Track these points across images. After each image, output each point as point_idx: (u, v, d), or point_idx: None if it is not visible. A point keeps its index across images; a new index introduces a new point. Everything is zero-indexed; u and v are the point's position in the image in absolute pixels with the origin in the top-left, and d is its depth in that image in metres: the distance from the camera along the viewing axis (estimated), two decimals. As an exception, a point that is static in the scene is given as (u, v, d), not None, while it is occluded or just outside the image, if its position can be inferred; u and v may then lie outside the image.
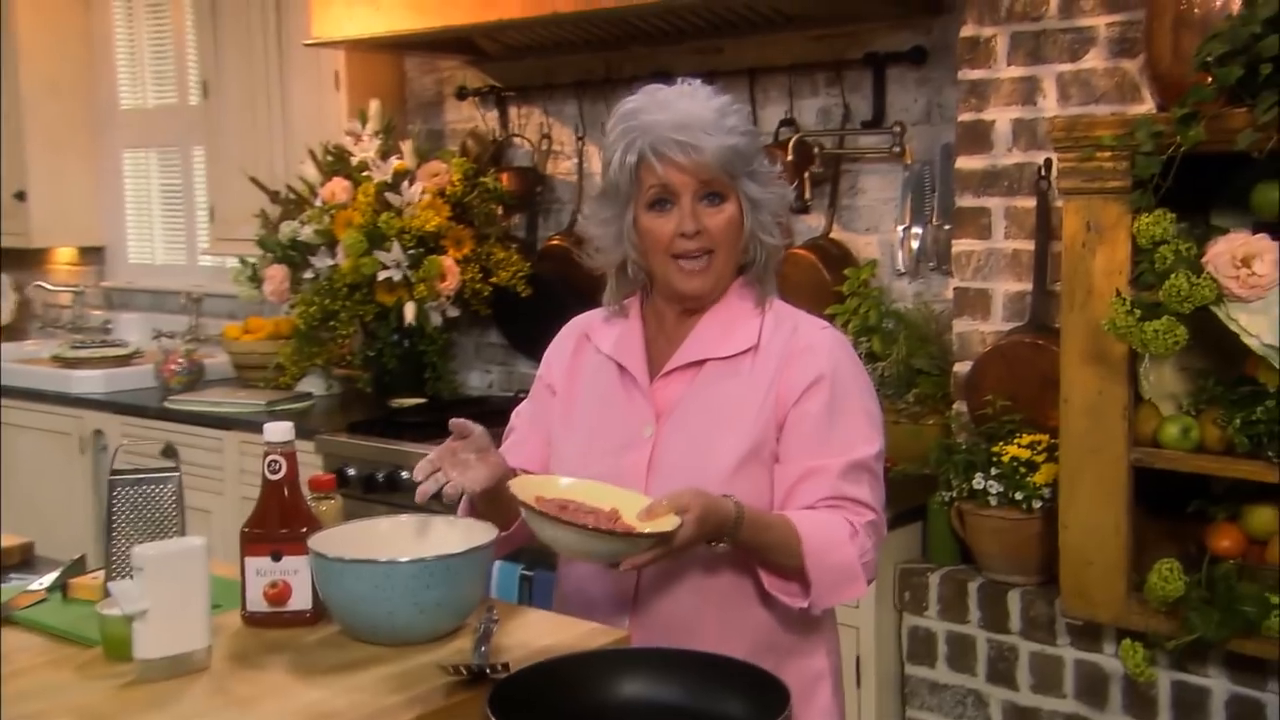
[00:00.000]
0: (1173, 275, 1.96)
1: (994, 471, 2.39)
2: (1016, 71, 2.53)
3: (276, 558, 1.53)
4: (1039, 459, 2.38)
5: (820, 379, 1.67)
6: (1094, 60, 2.43)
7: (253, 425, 3.54)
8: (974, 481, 2.41)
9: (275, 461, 1.54)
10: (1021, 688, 2.41)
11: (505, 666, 1.33)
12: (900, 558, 2.59)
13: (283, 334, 4.01)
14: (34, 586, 1.76)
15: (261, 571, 1.53)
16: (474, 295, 3.58)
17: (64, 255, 5.17)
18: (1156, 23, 2.13)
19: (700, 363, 1.72)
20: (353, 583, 1.44)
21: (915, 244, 3.00)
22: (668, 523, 1.47)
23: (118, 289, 5.01)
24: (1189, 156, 2.02)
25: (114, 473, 1.65)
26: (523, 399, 3.62)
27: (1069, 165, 2.17)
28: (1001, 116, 2.56)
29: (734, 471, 1.65)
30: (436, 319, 3.57)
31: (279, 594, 1.52)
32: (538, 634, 1.52)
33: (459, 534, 1.56)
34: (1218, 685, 2.17)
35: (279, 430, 1.55)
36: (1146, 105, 2.36)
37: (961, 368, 2.64)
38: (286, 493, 1.55)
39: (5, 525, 2.54)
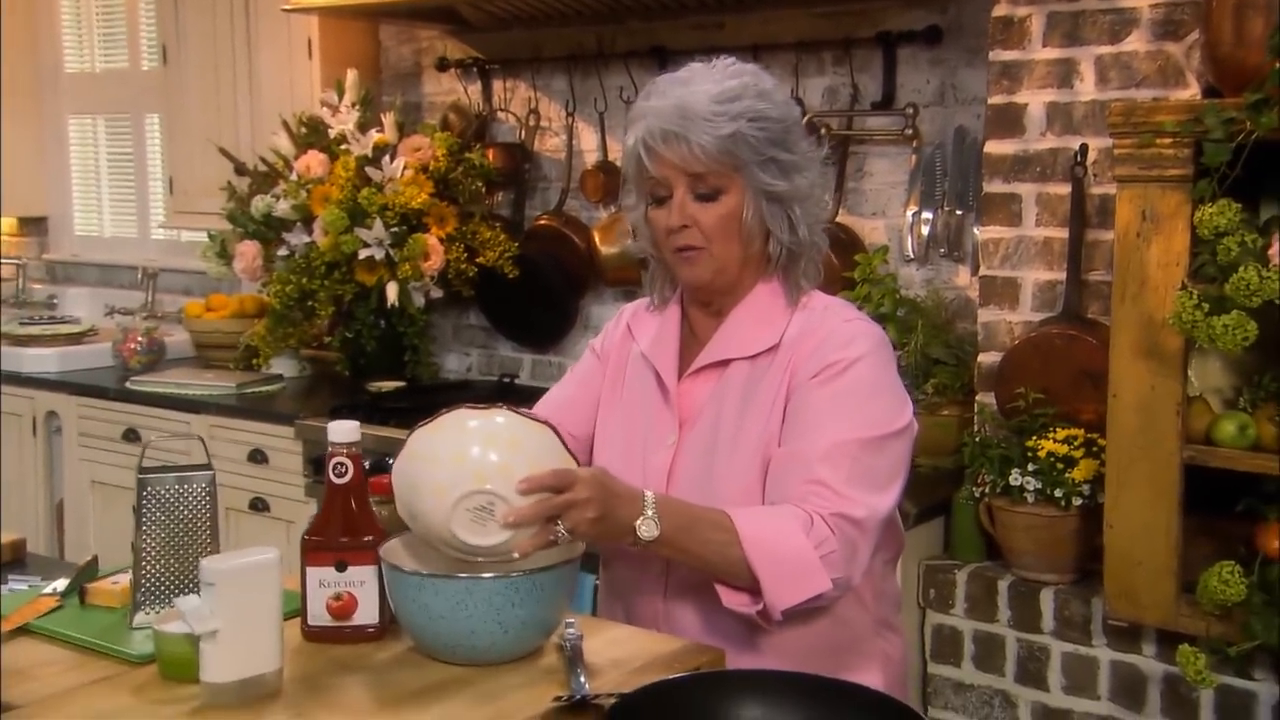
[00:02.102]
0: (1241, 268, 1.90)
1: (1030, 468, 2.32)
2: (1052, 53, 2.45)
3: (341, 568, 1.40)
4: (1077, 454, 2.31)
5: (829, 366, 1.57)
6: (1136, 42, 2.36)
7: (224, 408, 3.38)
8: (1010, 477, 2.34)
9: (341, 464, 1.41)
10: (1053, 689, 2.35)
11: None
12: (923, 554, 2.52)
13: (247, 312, 3.84)
14: (46, 591, 1.61)
15: (325, 583, 1.40)
16: (458, 276, 3.43)
17: (3, 226, 4.90)
18: (1217, 4, 2.06)
19: (725, 363, 1.64)
20: (431, 599, 1.31)
21: (925, 229, 2.94)
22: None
23: (61, 262, 4.77)
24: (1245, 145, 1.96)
25: (142, 470, 1.50)
26: (506, 382, 3.56)
27: (1125, 152, 2.09)
28: (1035, 100, 2.48)
29: (753, 481, 1.57)
30: (419, 300, 3.42)
31: (344, 607, 1.39)
32: (628, 652, 1.40)
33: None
34: (1265, 690, 2.12)
35: (345, 430, 1.42)
36: (1191, 90, 2.30)
37: (988, 358, 2.57)
38: (352, 498, 1.42)
39: (-49, 511, 2.37)
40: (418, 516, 1.36)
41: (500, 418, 1.37)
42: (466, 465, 1.32)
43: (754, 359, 1.62)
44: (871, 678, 1.63)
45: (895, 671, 1.71)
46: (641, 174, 1.60)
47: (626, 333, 1.78)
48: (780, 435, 1.58)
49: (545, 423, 1.42)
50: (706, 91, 1.55)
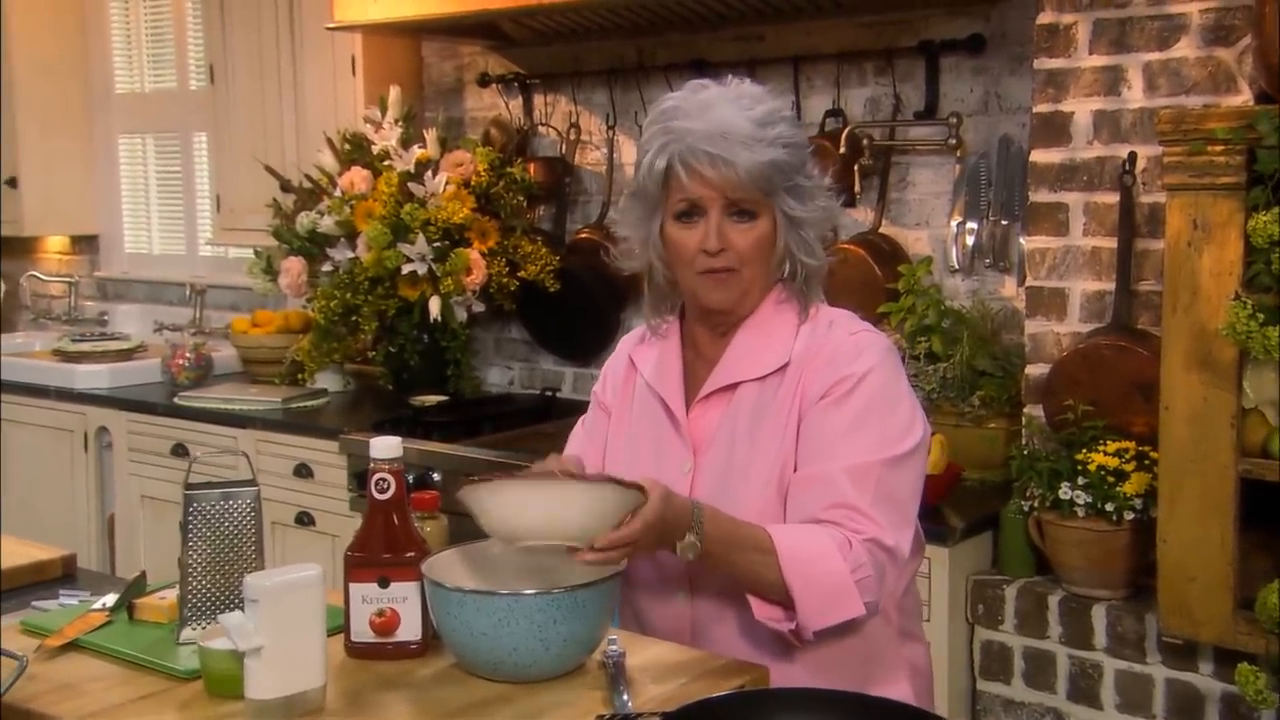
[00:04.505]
0: (1297, 277, 1.86)
1: (1081, 481, 2.29)
2: (1099, 60, 2.42)
3: (384, 584, 1.40)
4: (1128, 467, 2.27)
5: (840, 382, 1.55)
6: (1185, 49, 2.33)
7: (270, 423, 3.40)
8: (1059, 491, 2.30)
9: (383, 480, 1.41)
10: (1106, 706, 2.31)
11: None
12: (972, 569, 2.49)
13: (293, 327, 3.88)
14: (96, 607, 1.62)
15: (368, 599, 1.40)
16: (500, 290, 3.44)
17: (55, 244, 4.98)
18: (1268, 8, 2.03)
19: (734, 386, 1.62)
20: (473, 616, 1.31)
21: (970, 240, 2.91)
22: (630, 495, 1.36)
23: (112, 279, 4.83)
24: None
25: (189, 486, 1.51)
26: (548, 396, 3.57)
27: (1175, 160, 2.06)
28: (1081, 108, 2.45)
29: (770, 502, 1.55)
30: (461, 314, 3.44)
31: (386, 623, 1.39)
32: (671, 670, 1.39)
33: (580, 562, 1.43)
34: (1326, 707, 2.07)
35: (387, 446, 1.42)
36: (1243, 96, 2.26)
37: (1035, 370, 2.53)
38: (395, 514, 1.42)
39: (4, 526, 2.40)
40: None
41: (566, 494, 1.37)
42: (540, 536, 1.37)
43: (763, 380, 1.60)
44: (900, 688, 1.63)
45: (922, 682, 1.71)
46: (668, 189, 1.58)
47: (630, 365, 1.75)
48: (795, 455, 1.56)
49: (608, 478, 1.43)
50: (746, 114, 1.54)
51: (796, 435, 1.56)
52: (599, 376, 1.82)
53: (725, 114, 1.54)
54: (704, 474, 1.60)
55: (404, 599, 1.40)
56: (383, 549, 1.41)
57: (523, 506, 1.33)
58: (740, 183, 1.53)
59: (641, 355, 1.73)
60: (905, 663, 1.67)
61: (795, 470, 1.55)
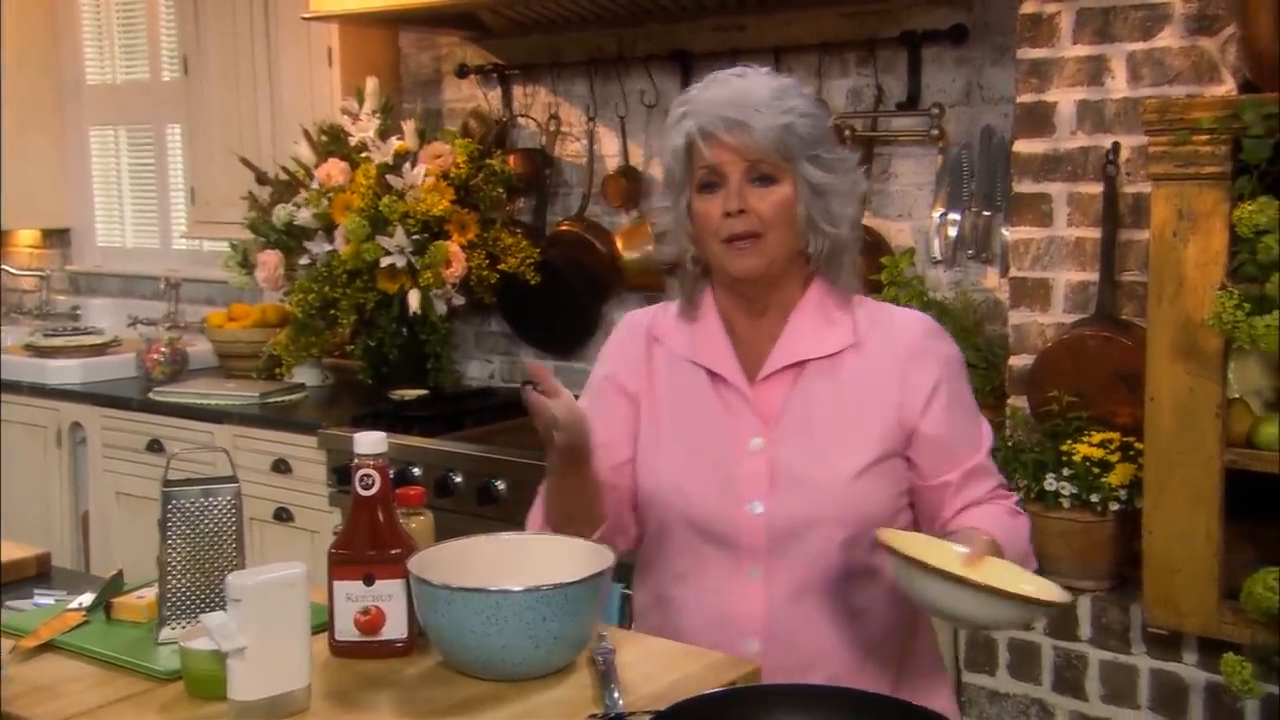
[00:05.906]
0: (1282, 267, 1.86)
1: (1065, 472, 2.28)
2: (1082, 50, 2.42)
3: (369, 582, 1.37)
4: (1113, 458, 2.27)
5: (941, 379, 1.63)
6: (1169, 38, 2.32)
7: (247, 418, 3.37)
8: (1044, 482, 2.29)
9: (368, 476, 1.38)
10: (1091, 698, 2.31)
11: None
12: (956, 560, 2.48)
13: (269, 321, 3.84)
14: (72, 606, 1.59)
15: (353, 597, 1.37)
16: (479, 283, 3.41)
17: (26, 238, 4.91)
18: None
19: (801, 364, 1.63)
20: (461, 613, 1.28)
21: (952, 231, 2.90)
22: (1052, 592, 1.47)
23: (85, 273, 4.78)
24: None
25: (167, 483, 1.48)
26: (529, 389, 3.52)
27: (1161, 149, 2.06)
28: (1065, 98, 2.45)
29: (857, 478, 1.59)
30: (441, 307, 3.40)
31: (371, 622, 1.36)
32: (661, 666, 1.37)
33: (569, 556, 1.41)
34: (1311, 697, 2.08)
35: (371, 441, 1.39)
36: (1226, 86, 2.26)
37: (1019, 361, 2.53)
38: (380, 510, 1.39)
39: (-24, 523, 2.35)
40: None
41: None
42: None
43: (833, 358, 1.63)
44: (933, 655, 1.72)
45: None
46: (691, 164, 1.60)
47: (650, 343, 1.72)
48: (911, 447, 1.62)
49: None
50: (762, 84, 1.59)
51: (900, 432, 1.61)
52: (601, 358, 1.77)
53: (743, 84, 1.59)
54: (782, 449, 1.60)
55: (389, 597, 1.38)
56: (367, 546, 1.39)
57: (960, 601, 1.40)
58: (758, 146, 1.56)
59: (670, 334, 1.71)
60: (935, 640, 1.75)
61: (938, 470, 1.62)
